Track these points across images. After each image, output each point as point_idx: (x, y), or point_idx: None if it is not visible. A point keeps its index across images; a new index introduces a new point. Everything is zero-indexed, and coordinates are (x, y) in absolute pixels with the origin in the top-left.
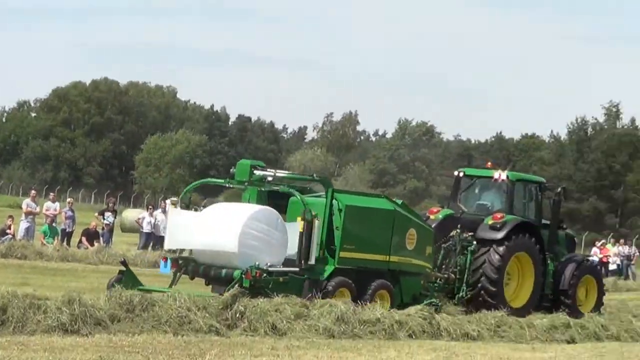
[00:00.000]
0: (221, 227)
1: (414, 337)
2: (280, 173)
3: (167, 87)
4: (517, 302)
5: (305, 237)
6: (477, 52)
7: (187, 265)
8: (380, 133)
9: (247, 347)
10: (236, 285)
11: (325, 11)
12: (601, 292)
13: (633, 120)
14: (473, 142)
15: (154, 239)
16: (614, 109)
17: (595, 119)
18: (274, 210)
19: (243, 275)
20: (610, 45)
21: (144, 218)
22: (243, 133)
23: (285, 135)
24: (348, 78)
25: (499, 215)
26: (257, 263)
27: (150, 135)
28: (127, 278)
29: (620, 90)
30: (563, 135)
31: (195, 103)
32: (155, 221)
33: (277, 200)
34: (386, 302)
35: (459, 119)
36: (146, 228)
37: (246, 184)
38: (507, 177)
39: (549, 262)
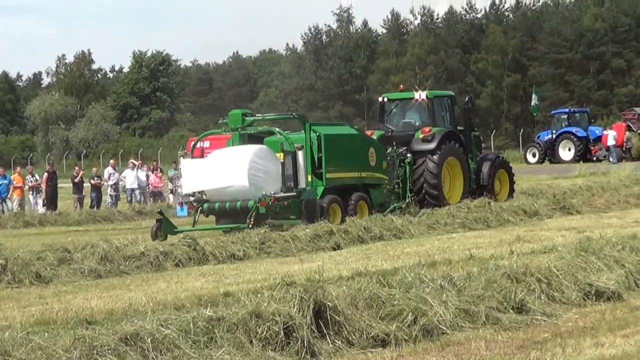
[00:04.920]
0: (230, 167)
1: (181, 265)
2: (268, 116)
3: None
4: (453, 198)
5: (293, 166)
6: None
7: (202, 205)
8: (117, 69)
9: (15, 299)
10: (254, 212)
11: None
12: (512, 182)
13: (365, 23)
14: (212, 65)
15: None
16: (345, 14)
17: (329, 26)
18: (268, 147)
19: (258, 204)
20: None
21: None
22: None
23: (20, 84)
24: (75, 15)
25: (427, 129)
26: (264, 193)
27: None
28: (164, 225)
29: None
30: (299, 46)
31: None
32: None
33: (254, 141)
34: (365, 211)
35: (192, 44)
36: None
37: (239, 129)
38: (427, 96)
39: (469, 161)
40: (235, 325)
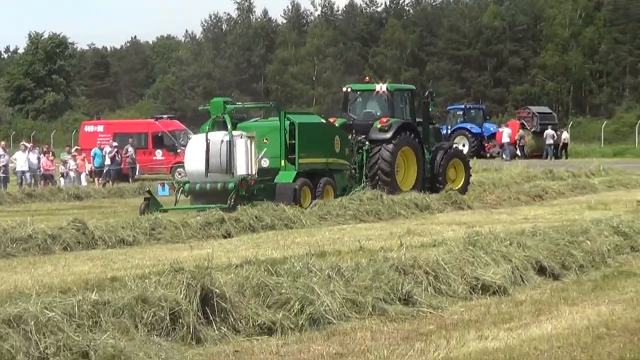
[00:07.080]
0: (210, 151)
1: (69, 249)
2: (247, 104)
3: None
4: (406, 186)
5: (228, 153)
6: None
7: (183, 185)
8: (12, 49)
9: None
10: (234, 194)
11: None
12: (468, 171)
13: (266, 13)
14: (109, 49)
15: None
16: (246, 3)
17: (229, 14)
18: (244, 133)
19: (239, 186)
20: None
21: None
22: None
23: None
24: None
25: (384, 119)
26: (243, 175)
27: None
28: (152, 203)
29: None
30: (198, 33)
31: None
32: None
33: (225, 127)
34: (331, 194)
35: (90, 27)
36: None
37: (221, 115)
38: (387, 88)
39: (425, 152)
40: (121, 309)
